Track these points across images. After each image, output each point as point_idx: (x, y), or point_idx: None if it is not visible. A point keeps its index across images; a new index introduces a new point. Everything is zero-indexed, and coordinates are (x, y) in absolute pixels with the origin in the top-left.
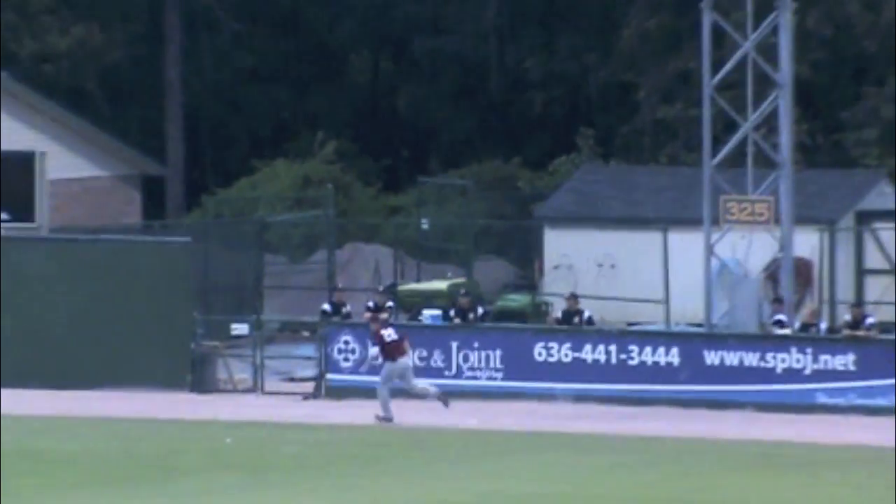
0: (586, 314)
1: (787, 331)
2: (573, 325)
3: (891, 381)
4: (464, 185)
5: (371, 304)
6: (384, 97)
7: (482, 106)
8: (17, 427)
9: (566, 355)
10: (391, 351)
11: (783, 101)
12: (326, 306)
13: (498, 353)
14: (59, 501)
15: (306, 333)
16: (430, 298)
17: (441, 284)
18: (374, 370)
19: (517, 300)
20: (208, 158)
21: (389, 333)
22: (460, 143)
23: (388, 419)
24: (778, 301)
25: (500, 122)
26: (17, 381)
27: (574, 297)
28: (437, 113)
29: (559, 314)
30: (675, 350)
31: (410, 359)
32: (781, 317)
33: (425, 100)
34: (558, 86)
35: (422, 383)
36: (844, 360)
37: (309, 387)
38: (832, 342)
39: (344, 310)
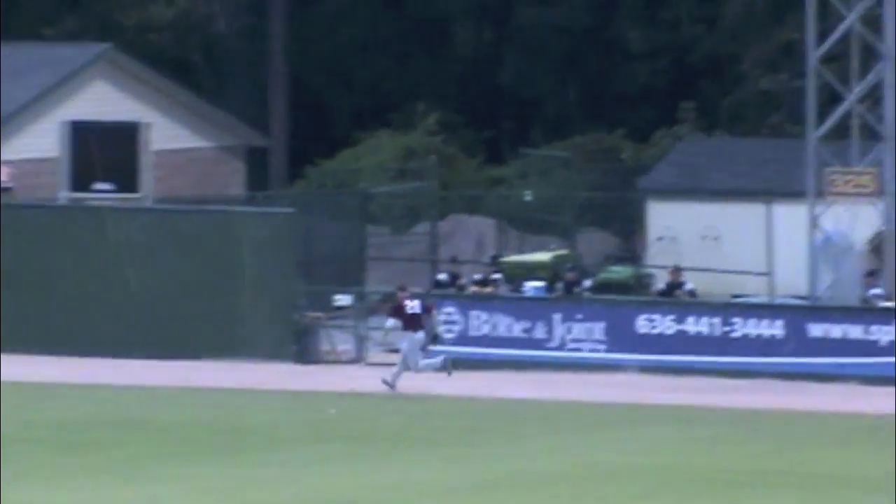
0: (689, 286)
1: (890, 303)
2: (676, 297)
3: None
4: (567, 156)
5: (478, 276)
6: (487, 68)
7: (585, 77)
8: (121, 397)
9: (669, 327)
10: (412, 323)
11: (888, 72)
12: (443, 276)
13: (601, 325)
14: (163, 470)
15: None
16: (532, 270)
17: (544, 256)
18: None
19: (620, 272)
20: (312, 129)
21: (413, 306)
22: (563, 114)
23: (391, 386)
24: (871, 275)
25: (603, 94)
26: (123, 351)
27: (677, 270)
28: (540, 84)
29: (662, 286)
30: (778, 323)
31: (427, 335)
32: (878, 290)
33: (528, 71)
34: (662, 57)
35: (424, 362)
36: None
37: None
38: None
39: (459, 282)
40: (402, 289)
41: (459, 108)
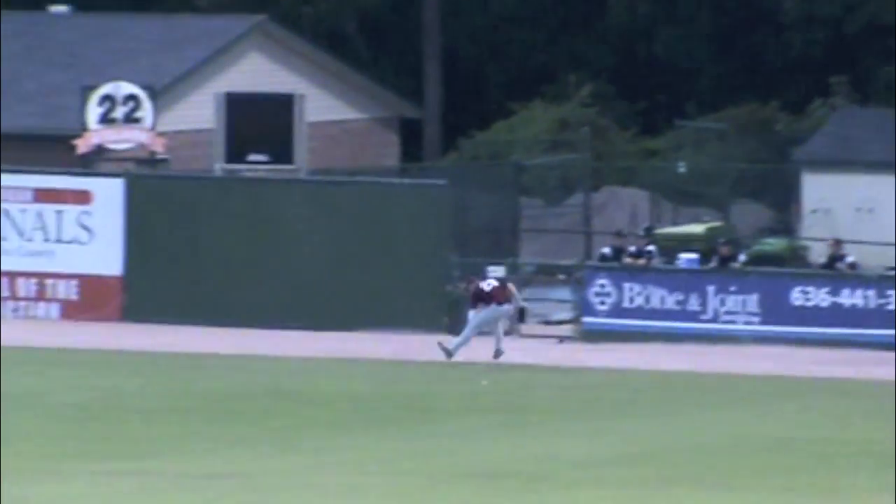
0: (850, 259)
1: None
2: (837, 269)
3: None
4: (721, 128)
5: (632, 248)
6: (642, 40)
7: (740, 48)
8: (275, 368)
9: (824, 300)
10: (495, 297)
11: None
12: (606, 250)
13: (755, 297)
14: (316, 442)
15: (562, 276)
16: (686, 242)
17: (698, 228)
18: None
19: (774, 244)
20: (465, 101)
21: (489, 283)
22: (717, 85)
23: (449, 353)
24: None
25: (757, 65)
26: (277, 322)
27: (838, 242)
28: (694, 55)
29: (823, 259)
30: None
31: (511, 308)
32: None
33: (683, 42)
34: (817, 28)
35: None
36: None
37: (565, 330)
38: None
39: (623, 255)
40: (470, 281)
41: (613, 79)
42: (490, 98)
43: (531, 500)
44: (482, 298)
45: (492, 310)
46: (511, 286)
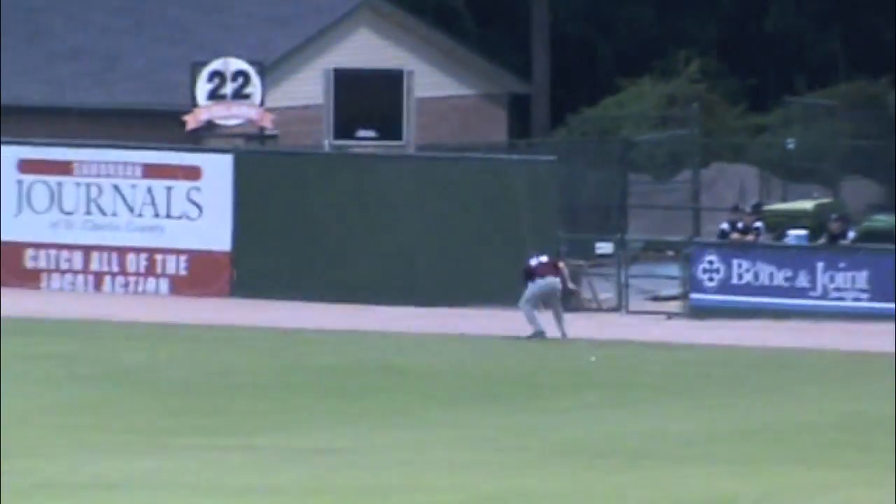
0: None
1: None
2: None
3: None
4: (831, 104)
5: (739, 224)
6: (751, 16)
7: (849, 25)
8: (383, 344)
9: None
10: (541, 272)
11: None
12: (725, 225)
13: (864, 273)
14: (425, 417)
15: (670, 253)
16: (795, 219)
17: (807, 204)
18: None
19: (884, 221)
20: (574, 77)
21: (539, 259)
22: (827, 61)
23: (539, 333)
24: None
25: (868, 41)
26: (383, 298)
27: None
28: (804, 32)
29: None
30: None
31: (559, 282)
32: None
33: (793, 18)
34: None
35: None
36: None
37: (673, 306)
38: None
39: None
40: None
41: (723, 55)
42: (599, 74)
43: (639, 477)
44: (530, 274)
45: (537, 284)
46: (563, 266)
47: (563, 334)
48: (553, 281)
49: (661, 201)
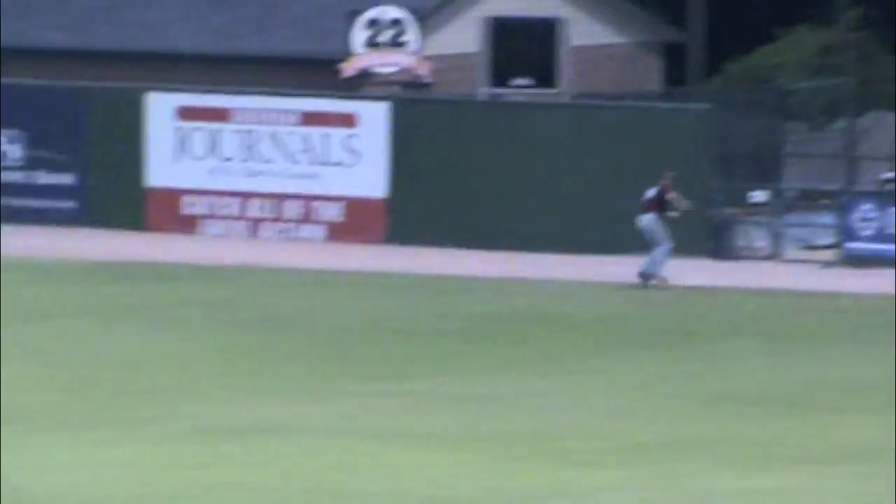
0: None
1: None
2: None
3: None
4: None
5: (891, 174)
6: None
7: None
8: (536, 291)
9: None
10: (653, 206)
11: None
12: (890, 175)
13: None
14: (579, 364)
15: (825, 202)
16: None
17: None
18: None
19: None
20: (730, 25)
21: (649, 194)
22: None
23: (646, 276)
24: None
25: None
26: (536, 245)
27: None
28: None
29: None
30: None
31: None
32: None
33: None
34: None
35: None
36: None
37: (827, 255)
38: None
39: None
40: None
41: (882, 2)
42: (754, 21)
43: (795, 424)
44: (653, 208)
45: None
46: (673, 195)
47: (645, 275)
48: (647, 218)
49: (817, 150)
